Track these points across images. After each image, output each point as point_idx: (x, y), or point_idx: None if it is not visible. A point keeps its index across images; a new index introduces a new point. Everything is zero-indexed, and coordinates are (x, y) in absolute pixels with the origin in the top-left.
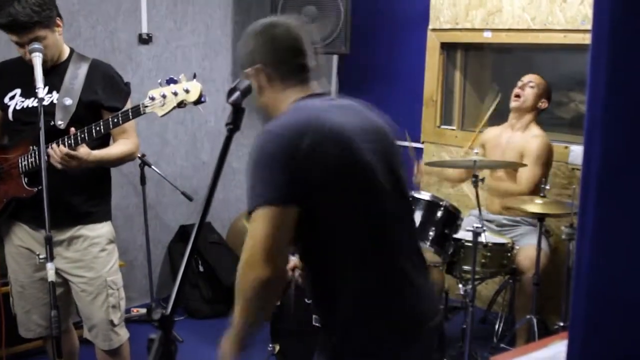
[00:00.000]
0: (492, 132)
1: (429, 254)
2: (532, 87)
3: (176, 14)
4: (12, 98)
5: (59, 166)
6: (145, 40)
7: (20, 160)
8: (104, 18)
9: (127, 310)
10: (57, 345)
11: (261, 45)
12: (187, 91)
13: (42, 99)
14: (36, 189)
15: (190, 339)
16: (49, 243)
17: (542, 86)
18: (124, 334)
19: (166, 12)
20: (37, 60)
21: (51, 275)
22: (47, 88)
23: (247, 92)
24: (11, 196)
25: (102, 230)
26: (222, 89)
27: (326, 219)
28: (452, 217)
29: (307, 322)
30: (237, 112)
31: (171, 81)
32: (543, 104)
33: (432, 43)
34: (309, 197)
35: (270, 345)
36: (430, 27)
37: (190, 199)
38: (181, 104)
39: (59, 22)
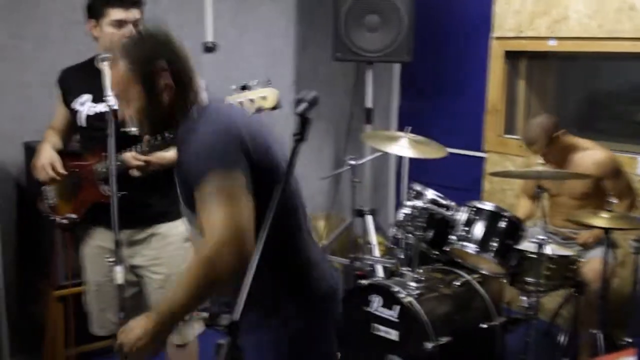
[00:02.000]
0: None
1: (492, 265)
2: (536, 147)
3: (239, 23)
4: (82, 104)
5: (135, 173)
6: (209, 48)
7: (97, 167)
8: (169, 27)
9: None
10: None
11: (162, 52)
12: (263, 98)
13: (111, 106)
14: (119, 194)
15: None
16: (118, 247)
17: (543, 133)
18: (196, 328)
19: (230, 21)
20: (106, 69)
21: (120, 278)
22: None
23: (314, 103)
24: (91, 202)
25: (178, 228)
26: (285, 97)
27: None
28: (515, 228)
29: (368, 331)
30: (304, 123)
31: (245, 87)
32: (559, 132)
33: (496, 51)
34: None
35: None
36: (493, 35)
37: None
38: (258, 110)
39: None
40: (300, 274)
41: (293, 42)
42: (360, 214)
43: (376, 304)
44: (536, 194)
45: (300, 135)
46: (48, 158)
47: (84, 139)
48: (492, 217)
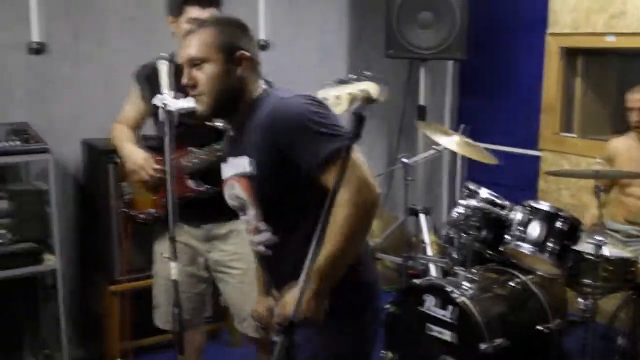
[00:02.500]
0: (620, 143)
1: (548, 266)
2: None
3: (292, 19)
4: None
5: None
6: (262, 46)
7: (182, 162)
8: None
9: None
10: (180, 341)
11: (244, 36)
12: (363, 91)
13: (166, 105)
14: (204, 187)
15: None
16: (173, 243)
17: None
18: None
19: (283, 18)
20: (163, 67)
21: (174, 274)
22: None
23: (369, 101)
24: (176, 197)
25: None
26: None
27: None
28: (572, 228)
29: (421, 331)
30: (359, 121)
31: (342, 82)
32: None
33: (552, 48)
34: None
35: (383, 352)
36: (549, 31)
37: None
38: (357, 104)
39: None
40: (356, 270)
41: (346, 38)
42: (413, 212)
43: (430, 304)
44: (596, 193)
45: (354, 134)
46: (142, 159)
47: (163, 134)
48: (549, 217)
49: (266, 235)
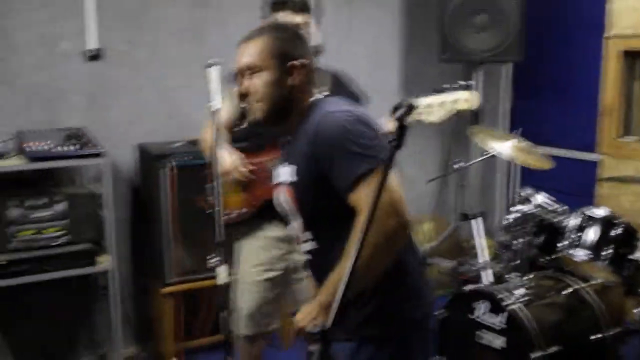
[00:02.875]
0: None
1: (604, 274)
2: None
3: (344, 25)
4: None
5: None
6: (314, 52)
7: (269, 165)
8: None
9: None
10: (229, 344)
11: (300, 44)
12: (456, 101)
13: (215, 112)
14: None
15: None
16: (221, 248)
17: None
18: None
19: (335, 24)
20: (212, 75)
21: (223, 278)
22: None
23: (411, 109)
24: (266, 199)
25: None
26: (391, 100)
27: None
28: (629, 235)
29: (472, 338)
30: (402, 129)
31: (439, 90)
32: None
33: (611, 50)
34: None
35: (435, 358)
36: (607, 34)
37: None
38: (456, 113)
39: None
40: (410, 278)
41: (399, 43)
42: (466, 217)
43: (482, 311)
44: None
45: (397, 142)
46: (234, 162)
47: (251, 135)
48: (605, 224)
49: (310, 245)
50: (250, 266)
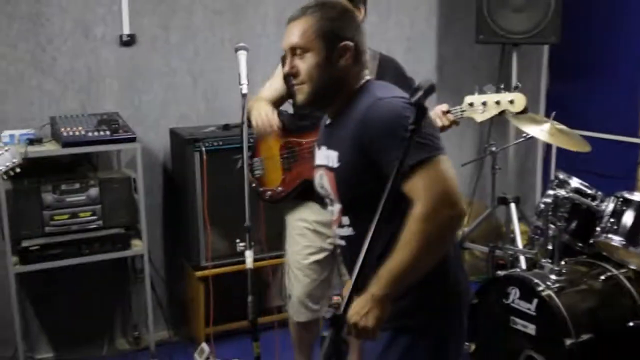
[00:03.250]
0: None
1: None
2: None
3: (380, 7)
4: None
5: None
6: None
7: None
8: None
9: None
10: (254, 329)
11: (349, 24)
12: (511, 102)
13: (245, 95)
14: None
15: None
16: (248, 232)
17: None
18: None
19: (370, 6)
20: (242, 58)
21: (249, 263)
22: None
23: (430, 91)
24: (305, 178)
25: None
26: None
27: None
28: None
29: (504, 323)
30: (420, 112)
31: (490, 89)
32: None
33: None
34: None
35: (467, 344)
36: None
37: None
38: (502, 113)
39: (362, 10)
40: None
41: (435, 25)
42: (503, 201)
43: (514, 296)
44: None
45: (415, 125)
46: (267, 111)
47: (298, 116)
48: None
49: (347, 230)
50: (296, 250)
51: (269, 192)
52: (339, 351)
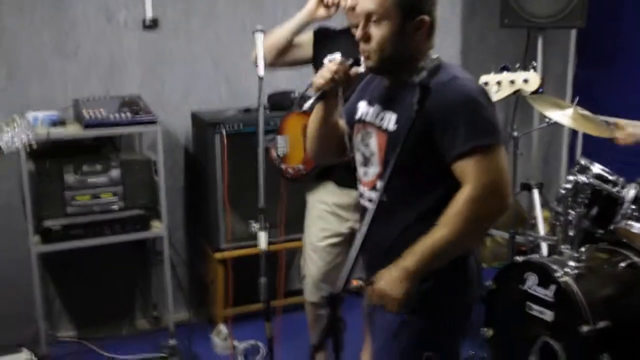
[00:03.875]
0: None
1: None
2: None
3: None
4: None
5: None
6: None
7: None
8: None
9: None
10: (268, 310)
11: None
12: (525, 81)
13: (261, 77)
14: (351, 154)
15: None
16: (262, 214)
17: None
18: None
19: None
20: (259, 40)
21: (263, 243)
22: None
23: (434, 72)
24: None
25: None
26: None
27: None
28: None
29: (521, 309)
30: (424, 92)
31: (505, 69)
32: None
33: None
34: None
35: (484, 329)
36: None
37: None
38: (517, 92)
39: None
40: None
41: (460, 9)
42: (526, 187)
43: (532, 282)
44: None
45: (419, 105)
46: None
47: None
48: None
49: (378, 194)
50: (313, 232)
51: (291, 170)
52: (337, 329)
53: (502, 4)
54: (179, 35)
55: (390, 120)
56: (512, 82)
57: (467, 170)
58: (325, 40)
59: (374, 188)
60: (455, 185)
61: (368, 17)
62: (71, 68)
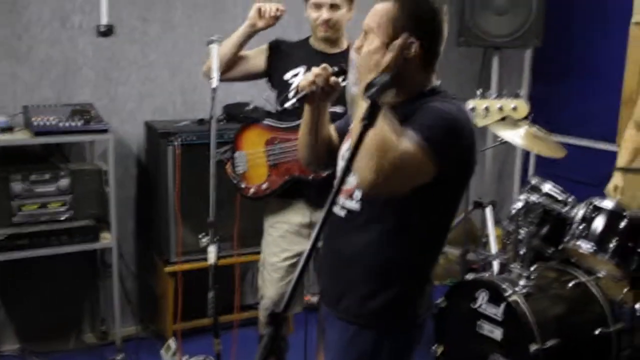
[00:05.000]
0: None
1: (609, 267)
2: None
3: (362, 8)
4: (294, 76)
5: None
6: None
7: None
8: None
9: None
10: (215, 326)
11: (422, 21)
12: (514, 109)
13: (215, 89)
14: (325, 173)
15: None
16: (212, 228)
17: None
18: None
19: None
20: (213, 51)
21: (212, 259)
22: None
23: (385, 87)
24: (293, 175)
25: None
26: None
27: (446, 203)
28: (638, 228)
29: (472, 327)
30: (374, 108)
31: (494, 96)
32: None
33: (635, 37)
34: (449, 174)
35: (434, 346)
36: (633, 20)
37: None
38: (504, 119)
39: (352, 7)
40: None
41: None
42: (479, 205)
43: (482, 301)
44: None
45: (368, 121)
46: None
47: (288, 113)
48: (612, 216)
49: (354, 204)
50: (275, 252)
51: (253, 189)
52: (278, 349)
53: (459, 23)
54: (134, 42)
55: None
56: (500, 108)
57: (405, 139)
58: (281, 53)
59: (350, 197)
60: (429, 214)
61: (364, 31)
62: (22, 72)
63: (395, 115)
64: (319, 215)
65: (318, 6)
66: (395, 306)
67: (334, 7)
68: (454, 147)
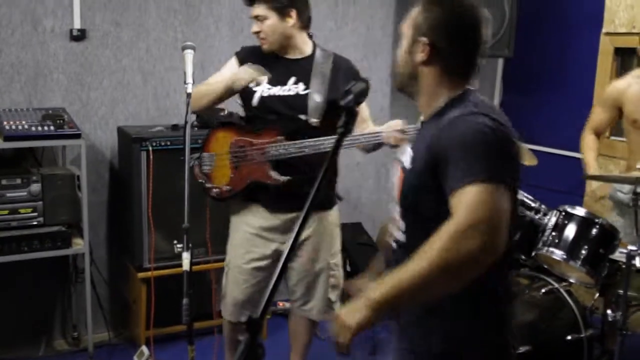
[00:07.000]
0: (622, 85)
1: (581, 274)
2: None
3: (337, 14)
4: (259, 84)
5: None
6: None
7: (268, 149)
8: None
9: (274, 304)
10: (190, 332)
11: (449, 28)
12: None
13: (189, 94)
14: (284, 179)
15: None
16: (186, 234)
17: None
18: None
19: (327, 12)
20: (188, 57)
21: (186, 265)
22: (293, 79)
23: (360, 95)
24: (254, 179)
25: (332, 216)
26: (380, 90)
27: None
28: (609, 236)
29: None
30: (350, 116)
31: None
32: None
33: (605, 47)
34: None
35: None
36: (604, 30)
37: (340, 199)
38: None
39: (292, 14)
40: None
41: (392, 33)
42: None
43: None
44: (632, 201)
45: (344, 128)
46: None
47: (253, 119)
48: (583, 223)
49: (401, 235)
50: (240, 253)
51: (216, 190)
52: (255, 355)
53: None
54: (107, 47)
55: (409, 158)
56: None
57: (456, 205)
58: (251, 60)
59: (398, 229)
60: None
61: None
62: None
63: (430, 124)
64: (276, 221)
65: (256, 18)
66: (466, 331)
67: (259, 18)
68: (506, 158)
